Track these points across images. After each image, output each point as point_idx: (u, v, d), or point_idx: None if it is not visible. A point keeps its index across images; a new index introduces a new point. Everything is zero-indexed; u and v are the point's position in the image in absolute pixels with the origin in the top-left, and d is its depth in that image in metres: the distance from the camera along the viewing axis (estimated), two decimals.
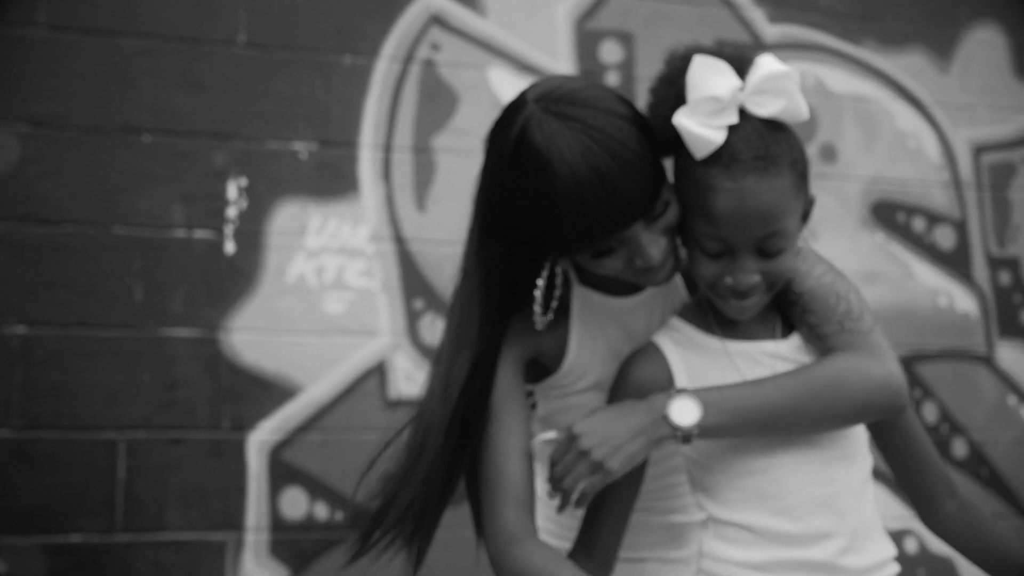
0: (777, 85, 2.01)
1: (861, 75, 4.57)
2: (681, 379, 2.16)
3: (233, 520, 3.68)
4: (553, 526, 2.44)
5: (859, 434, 2.19)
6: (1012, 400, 4.52)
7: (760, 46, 4.44)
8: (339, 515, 3.75)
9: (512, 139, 2.09)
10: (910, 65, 4.62)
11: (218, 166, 3.81)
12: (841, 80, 4.53)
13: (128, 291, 3.68)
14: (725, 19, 4.44)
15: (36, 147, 3.66)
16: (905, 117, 4.59)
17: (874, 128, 4.53)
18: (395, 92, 4.02)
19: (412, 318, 3.91)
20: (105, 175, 3.71)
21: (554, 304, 2.26)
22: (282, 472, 3.73)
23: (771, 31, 4.49)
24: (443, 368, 2.23)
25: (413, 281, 3.93)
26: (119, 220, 3.70)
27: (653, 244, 2.09)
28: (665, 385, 2.14)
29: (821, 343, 2.15)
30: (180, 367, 3.69)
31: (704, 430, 2.07)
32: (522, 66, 4.14)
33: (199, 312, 3.73)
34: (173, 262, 3.73)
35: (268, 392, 3.75)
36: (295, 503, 3.73)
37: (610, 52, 4.27)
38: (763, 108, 2.01)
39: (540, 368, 2.38)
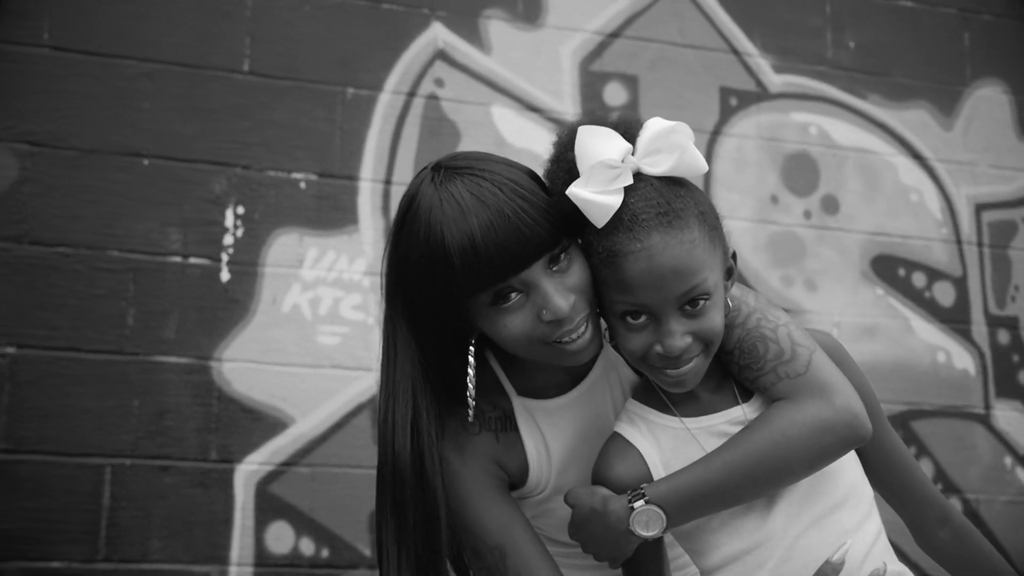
0: (669, 141, 1.98)
1: (865, 128, 4.55)
2: (657, 470, 2.12)
3: (217, 553, 3.61)
4: None
5: (848, 472, 2.14)
6: (1008, 460, 4.47)
7: (765, 94, 4.43)
8: (325, 552, 3.69)
9: (406, 199, 2.14)
10: (914, 120, 4.61)
11: (216, 193, 3.77)
12: (845, 132, 4.52)
13: (121, 315, 3.64)
14: (730, 66, 4.43)
15: (34, 166, 3.62)
16: (908, 171, 4.57)
17: (876, 181, 4.51)
18: (397, 126, 4.00)
19: None
20: (102, 197, 3.67)
21: (469, 400, 2.23)
22: (269, 506, 3.67)
23: (776, 80, 4.48)
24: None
25: None
26: (115, 243, 3.66)
27: (559, 295, 2.06)
28: (643, 479, 2.10)
29: (765, 396, 2.11)
30: (170, 395, 3.64)
31: (669, 528, 2.05)
32: (526, 105, 4.12)
33: (191, 339, 3.68)
34: (167, 288, 3.69)
35: (258, 423, 3.70)
36: (281, 538, 3.67)
37: (614, 94, 4.25)
38: (656, 167, 1.99)
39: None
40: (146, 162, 3.73)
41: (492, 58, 4.15)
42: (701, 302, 1.98)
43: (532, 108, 4.13)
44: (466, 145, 4.02)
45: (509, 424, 2.31)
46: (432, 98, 4.06)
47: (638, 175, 2.00)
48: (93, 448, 3.56)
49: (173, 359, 3.66)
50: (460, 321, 2.18)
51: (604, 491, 2.09)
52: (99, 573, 3.51)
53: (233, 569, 3.62)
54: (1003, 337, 4.56)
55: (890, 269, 4.48)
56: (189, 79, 3.82)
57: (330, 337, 3.81)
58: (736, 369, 2.12)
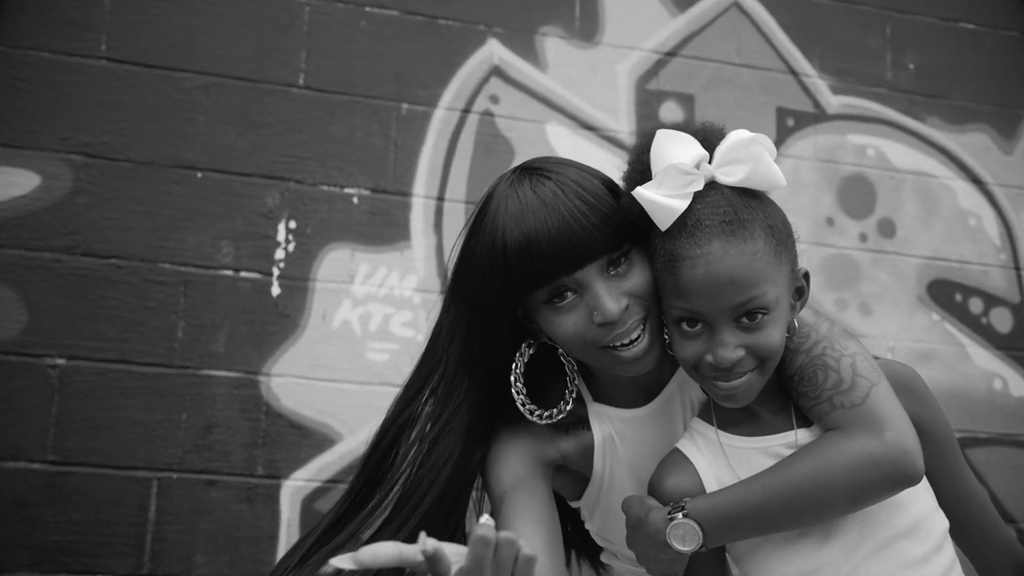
0: (745, 152, 1.97)
1: (923, 151, 4.50)
2: (711, 486, 2.10)
3: (262, 569, 3.60)
4: None
5: (917, 502, 2.08)
6: None
7: (821, 115, 4.38)
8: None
9: (484, 196, 2.25)
10: (974, 143, 4.55)
11: (269, 207, 3.77)
12: (903, 155, 4.46)
13: (171, 328, 3.64)
14: (787, 86, 4.39)
15: (88, 178, 3.64)
16: (966, 195, 4.51)
17: (934, 205, 4.45)
18: (451, 142, 3.98)
19: None
20: (156, 210, 3.68)
21: (566, 404, 2.28)
22: (315, 522, 3.65)
23: (834, 101, 4.43)
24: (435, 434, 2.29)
25: None
26: (167, 256, 3.66)
27: (611, 297, 2.07)
28: (694, 493, 2.07)
29: (820, 425, 2.07)
30: (218, 409, 3.64)
31: (706, 546, 2.02)
32: (581, 123, 4.09)
33: (241, 354, 3.68)
34: (218, 301, 3.69)
35: (305, 439, 3.69)
36: None
37: (670, 113, 4.22)
38: (731, 176, 1.97)
39: (580, 480, 2.40)
40: (200, 175, 3.74)
41: (548, 75, 4.12)
42: (759, 316, 1.96)
43: (587, 126, 4.10)
44: (519, 163, 3.99)
45: (583, 425, 2.34)
46: (487, 115, 4.04)
47: (712, 183, 1.98)
48: (141, 461, 3.56)
49: (222, 373, 3.66)
50: (526, 320, 2.21)
51: (652, 501, 2.09)
52: None
53: None
54: None
55: (947, 294, 4.42)
56: (245, 93, 3.82)
57: (379, 354, 3.80)
58: (795, 395, 2.10)
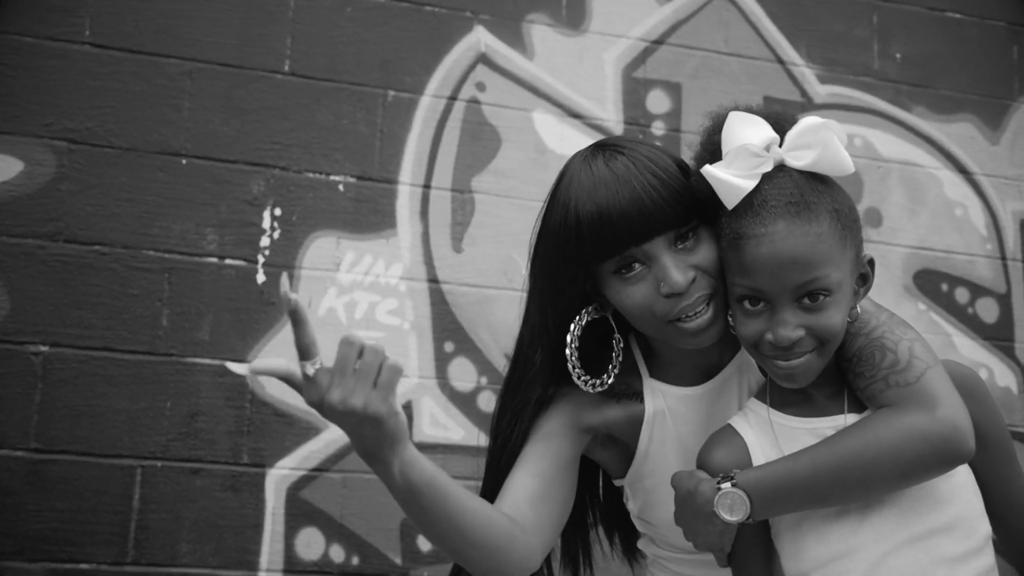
0: (815, 137, 2.01)
1: (910, 140, 4.50)
2: (758, 460, 2.14)
3: (247, 558, 3.59)
4: None
5: (959, 502, 2.08)
6: None
7: (808, 104, 4.38)
8: (355, 559, 3.66)
9: (560, 172, 2.28)
10: (960, 133, 4.55)
11: (254, 194, 3.75)
12: (889, 144, 4.46)
13: (155, 316, 3.62)
14: (775, 75, 4.39)
15: (72, 164, 3.61)
16: (953, 185, 4.51)
17: (921, 195, 4.45)
18: (437, 130, 3.97)
19: (441, 361, 3.83)
20: (140, 196, 3.66)
21: (611, 373, 2.34)
22: (299, 511, 3.65)
23: (821, 90, 4.43)
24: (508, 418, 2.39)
25: (445, 323, 3.85)
26: (151, 243, 3.64)
27: (678, 269, 2.12)
28: (743, 467, 2.10)
29: (873, 404, 2.08)
30: (203, 397, 3.62)
31: (754, 517, 2.04)
32: (567, 111, 4.08)
33: (225, 341, 3.66)
34: (202, 289, 3.67)
35: (290, 428, 3.67)
36: (311, 544, 3.64)
37: (657, 102, 4.21)
38: (800, 160, 2.01)
39: (626, 456, 2.44)
40: (184, 162, 3.72)
41: (535, 63, 4.11)
42: (820, 297, 1.99)
43: (574, 114, 4.09)
44: (506, 151, 3.99)
45: (636, 397, 2.39)
46: (473, 102, 4.02)
47: (781, 166, 2.04)
48: (124, 449, 3.54)
49: (207, 361, 3.64)
50: (594, 294, 2.27)
51: (701, 474, 2.11)
52: None
53: (262, 575, 3.59)
54: None
55: (933, 284, 4.42)
56: (230, 79, 3.80)
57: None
58: (852, 377, 2.13)
